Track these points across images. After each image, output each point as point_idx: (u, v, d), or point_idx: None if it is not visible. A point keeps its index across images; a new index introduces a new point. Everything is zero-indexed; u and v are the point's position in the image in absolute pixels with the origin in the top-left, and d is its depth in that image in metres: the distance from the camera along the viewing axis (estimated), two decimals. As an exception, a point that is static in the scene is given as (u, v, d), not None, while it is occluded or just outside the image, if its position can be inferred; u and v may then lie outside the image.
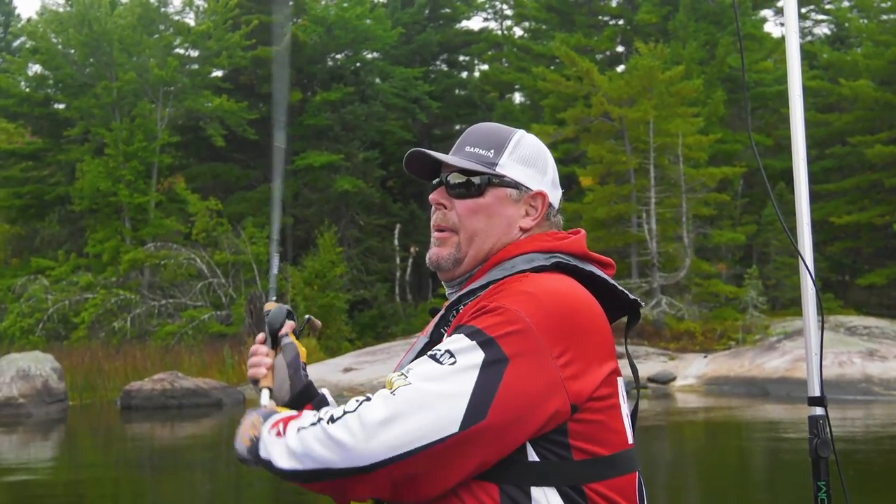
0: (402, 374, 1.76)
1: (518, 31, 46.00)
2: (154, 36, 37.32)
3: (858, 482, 10.58)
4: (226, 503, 11.71)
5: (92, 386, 25.41)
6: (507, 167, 2.08)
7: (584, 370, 1.85)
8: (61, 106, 38.40)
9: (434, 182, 2.15)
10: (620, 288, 2.04)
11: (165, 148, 36.63)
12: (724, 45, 36.78)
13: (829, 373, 22.15)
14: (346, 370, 25.87)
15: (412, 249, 39.09)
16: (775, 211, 2.42)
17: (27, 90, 38.63)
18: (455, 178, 2.08)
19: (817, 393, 2.27)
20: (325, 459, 1.73)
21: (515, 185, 2.08)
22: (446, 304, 2.06)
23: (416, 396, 1.71)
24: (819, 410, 2.24)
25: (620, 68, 38.84)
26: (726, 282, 32.13)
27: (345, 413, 1.73)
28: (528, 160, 2.11)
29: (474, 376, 1.74)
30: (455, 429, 1.71)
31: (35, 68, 39.40)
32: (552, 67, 38.70)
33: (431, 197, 2.13)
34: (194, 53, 39.43)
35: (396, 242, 38.77)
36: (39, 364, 21.35)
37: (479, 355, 1.75)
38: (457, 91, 45.95)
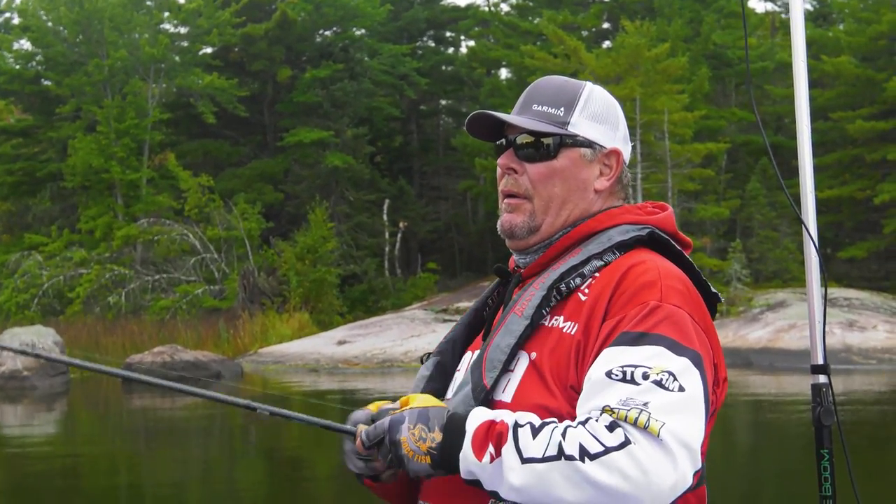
0: (643, 409, 1.62)
1: (505, 8, 46.35)
2: (144, 13, 37.54)
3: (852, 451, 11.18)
4: (220, 472, 12.24)
5: (91, 359, 25.82)
6: (580, 125, 1.98)
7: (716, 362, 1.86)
8: (51, 83, 38.62)
9: (499, 143, 2.03)
10: (705, 278, 1.97)
11: (157, 125, 36.97)
12: (708, 22, 37.29)
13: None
14: (340, 343, 26.44)
15: (401, 224, 39.56)
16: (780, 185, 2.42)
17: (17, 67, 38.84)
18: (524, 140, 1.97)
19: (820, 361, 2.20)
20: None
21: (589, 145, 1.98)
22: (537, 279, 1.92)
23: (683, 435, 1.61)
24: (822, 378, 2.18)
25: (607, 44, 39.30)
26: (711, 255, 32.76)
27: (607, 451, 1.60)
28: (599, 116, 2.01)
29: (701, 391, 1.70)
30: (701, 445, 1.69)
31: (25, 45, 39.59)
32: (539, 44, 39.12)
33: (500, 161, 2.00)
34: (184, 30, 39.72)
35: (385, 218, 39.22)
36: (42, 338, 21.80)
37: (693, 370, 1.69)
38: (444, 67, 46.32)
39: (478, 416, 1.73)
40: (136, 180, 35.82)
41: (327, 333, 28.44)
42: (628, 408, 1.61)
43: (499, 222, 2.02)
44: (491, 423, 1.70)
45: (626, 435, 1.59)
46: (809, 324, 2.27)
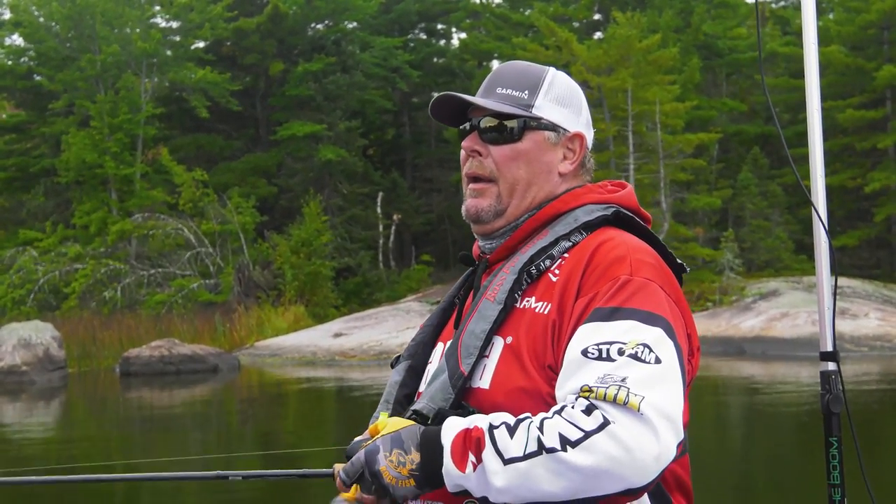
0: (621, 385, 1.61)
1: (496, 0, 46.45)
2: (135, 8, 37.57)
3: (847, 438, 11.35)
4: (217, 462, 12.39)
5: (88, 354, 26.04)
6: (544, 108, 1.98)
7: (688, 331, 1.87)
8: (44, 79, 38.64)
9: (463, 127, 2.03)
10: (669, 250, 1.97)
11: (150, 120, 37.00)
12: (699, 13, 37.46)
13: (804, 331, 23.09)
14: (337, 335, 26.58)
15: (395, 217, 39.68)
16: (793, 171, 2.42)
17: (9, 63, 38.86)
18: (489, 123, 1.97)
19: (829, 348, 2.19)
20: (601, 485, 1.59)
21: (553, 128, 1.99)
22: (506, 263, 1.93)
23: (663, 407, 1.61)
24: (832, 366, 2.16)
25: (598, 35, 39.45)
26: (703, 245, 32.98)
27: (587, 435, 1.59)
28: (563, 100, 2.01)
29: (677, 361, 1.69)
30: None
31: (16, 41, 39.58)
32: (530, 35, 39.25)
33: (464, 144, 2.00)
34: (176, 25, 39.74)
35: (379, 210, 39.33)
36: (39, 333, 21.95)
37: (667, 341, 1.70)
38: (435, 60, 46.43)
39: (452, 427, 1.70)
40: (129, 175, 35.88)
41: (323, 326, 28.59)
42: (606, 385, 1.60)
43: (464, 207, 2.03)
44: (466, 432, 1.68)
45: (604, 416, 1.59)
46: (819, 311, 2.25)
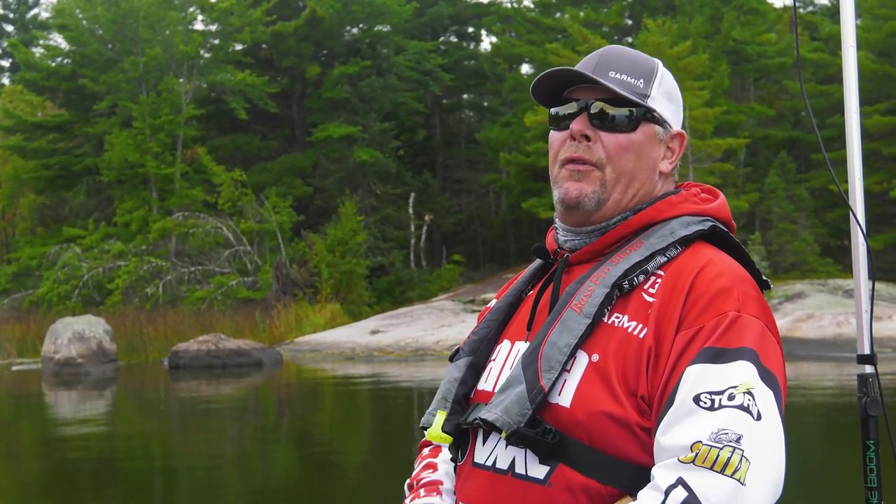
0: (735, 447, 1.56)
1: (527, 3, 47.16)
2: (180, 13, 38.59)
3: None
4: (254, 455, 13.15)
5: (135, 347, 27.06)
6: (657, 101, 1.87)
7: None
8: (87, 80, 39.67)
9: (560, 111, 1.89)
10: (757, 267, 1.90)
11: (189, 120, 38.01)
12: (728, 19, 38.05)
13: (828, 332, 23.77)
14: (374, 332, 27.42)
15: (426, 217, 40.49)
16: (831, 175, 2.39)
17: (53, 65, 39.96)
18: (604, 108, 1.84)
19: (867, 351, 2.13)
20: None
21: (661, 123, 1.88)
22: (595, 272, 1.81)
23: (772, 474, 1.60)
24: (869, 369, 2.12)
25: (629, 40, 40.09)
26: (730, 247, 33.49)
27: None
28: (671, 95, 1.92)
29: (779, 416, 1.65)
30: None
31: (60, 42, 40.71)
32: (560, 38, 39.95)
33: (575, 126, 1.84)
34: (213, 28, 40.74)
35: (411, 210, 40.13)
36: (93, 327, 22.93)
37: (776, 394, 1.66)
38: (466, 63, 47.21)
39: None
40: (170, 174, 36.91)
41: (360, 323, 29.43)
42: (721, 445, 1.56)
43: (561, 190, 1.86)
44: None
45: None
46: (857, 314, 2.20)
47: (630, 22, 42.64)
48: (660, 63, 1.91)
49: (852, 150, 2.40)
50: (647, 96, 1.84)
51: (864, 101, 36.03)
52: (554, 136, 1.89)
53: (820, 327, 24.70)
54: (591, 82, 1.83)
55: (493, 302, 2.07)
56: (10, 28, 56.59)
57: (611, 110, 1.83)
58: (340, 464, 11.24)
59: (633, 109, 1.84)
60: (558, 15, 42.59)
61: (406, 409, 16.00)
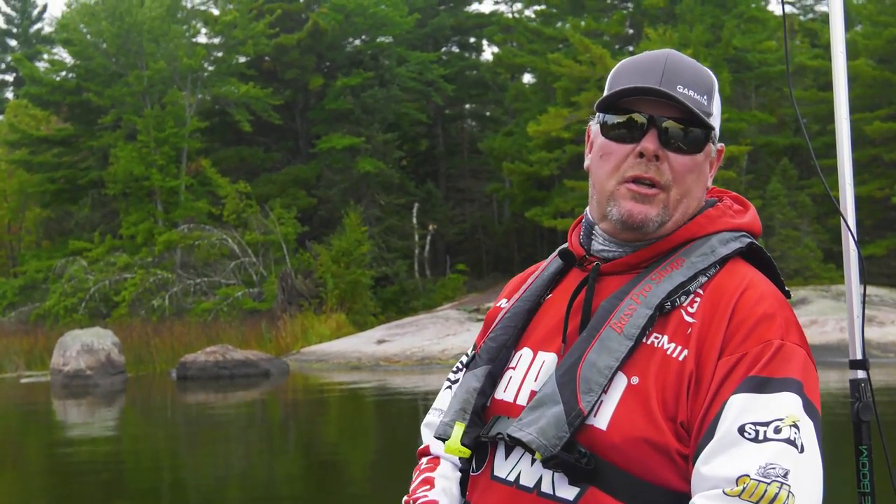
0: (783, 483, 1.55)
1: (528, 14, 47.36)
2: (183, 26, 38.87)
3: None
4: (260, 464, 13.29)
5: (142, 359, 27.23)
6: (716, 119, 1.81)
7: None
8: (92, 94, 39.92)
9: (640, 123, 1.77)
10: (783, 279, 1.87)
11: (193, 133, 38.23)
12: (729, 27, 38.22)
13: (832, 337, 23.88)
14: (380, 342, 27.57)
15: (430, 227, 40.66)
16: (822, 181, 2.42)
17: (57, 79, 40.21)
18: (675, 126, 1.76)
19: (859, 356, 2.14)
20: None
21: (714, 140, 1.83)
22: (635, 289, 1.76)
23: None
24: (861, 374, 2.12)
25: (630, 49, 40.27)
26: (733, 254, 33.61)
27: None
28: (720, 108, 1.86)
29: (819, 446, 1.65)
30: None
31: (65, 57, 40.95)
32: (561, 46, 40.15)
33: (651, 147, 1.75)
34: (216, 41, 40.99)
35: (415, 220, 40.30)
36: (101, 339, 23.11)
37: (816, 424, 1.64)
38: (468, 73, 47.42)
39: None
40: (175, 187, 37.14)
41: (366, 333, 29.58)
42: (769, 480, 1.54)
43: (622, 209, 1.78)
44: None
45: None
46: (848, 319, 2.20)
47: (631, 31, 42.83)
48: (714, 77, 1.83)
49: (842, 156, 2.40)
50: (710, 115, 1.78)
51: (865, 108, 36.27)
52: (613, 146, 1.80)
53: (823, 333, 24.78)
54: (667, 98, 1.74)
55: (504, 303, 2.01)
56: (13, 43, 56.97)
57: (682, 130, 1.76)
58: (347, 473, 11.39)
59: (702, 130, 1.77)
60: (559, 25, 42.76)
61: (412, 418, 16.12)
